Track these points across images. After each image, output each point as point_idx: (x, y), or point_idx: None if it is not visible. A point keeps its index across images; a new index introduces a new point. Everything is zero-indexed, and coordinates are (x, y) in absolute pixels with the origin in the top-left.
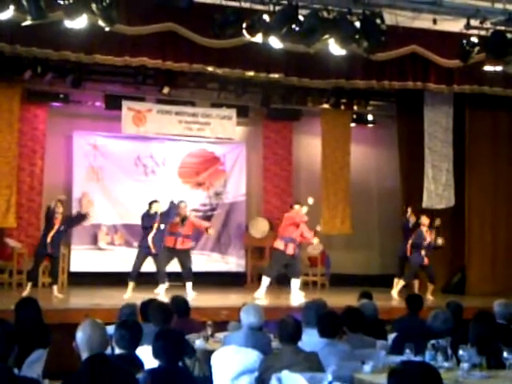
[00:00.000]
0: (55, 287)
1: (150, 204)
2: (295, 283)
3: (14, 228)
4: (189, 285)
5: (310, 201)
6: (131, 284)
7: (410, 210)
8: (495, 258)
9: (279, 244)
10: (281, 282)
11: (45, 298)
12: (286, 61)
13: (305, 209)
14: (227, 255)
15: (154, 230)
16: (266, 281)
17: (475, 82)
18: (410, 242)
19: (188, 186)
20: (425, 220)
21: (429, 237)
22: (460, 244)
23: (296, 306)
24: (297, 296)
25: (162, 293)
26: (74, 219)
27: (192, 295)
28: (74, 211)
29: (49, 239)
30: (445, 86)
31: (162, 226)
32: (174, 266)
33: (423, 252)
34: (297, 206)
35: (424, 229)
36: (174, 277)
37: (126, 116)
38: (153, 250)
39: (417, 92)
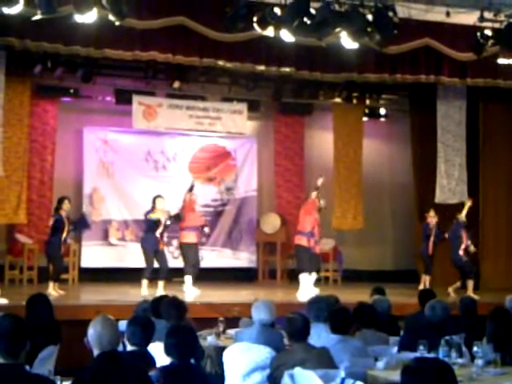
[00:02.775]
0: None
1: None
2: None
3: (24, 224)
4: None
5: (319, 181)
6: (161, 282)
7: (432, 213)
8: (509, 254)
9: (302, 240)
10: (292, 278)
11: None
12: (298, 54)
13: (313, 194)
14: (238, 251)
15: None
16: (305, 277)
17: (489, 75)
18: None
19: (199, 181)
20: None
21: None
22: (474, 239)
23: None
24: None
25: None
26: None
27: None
28: (84, 207)
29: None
30: (458, 80)
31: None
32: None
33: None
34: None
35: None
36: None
37: (137, 111)
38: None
39: (430, 85)
